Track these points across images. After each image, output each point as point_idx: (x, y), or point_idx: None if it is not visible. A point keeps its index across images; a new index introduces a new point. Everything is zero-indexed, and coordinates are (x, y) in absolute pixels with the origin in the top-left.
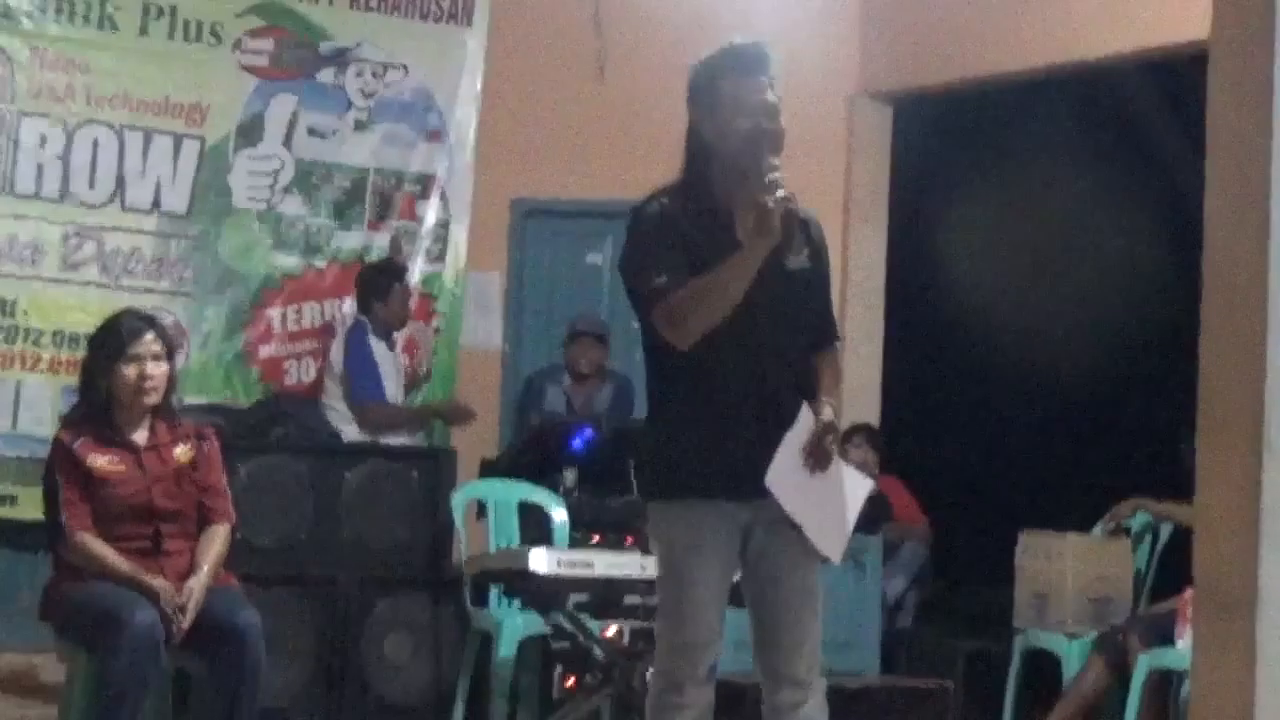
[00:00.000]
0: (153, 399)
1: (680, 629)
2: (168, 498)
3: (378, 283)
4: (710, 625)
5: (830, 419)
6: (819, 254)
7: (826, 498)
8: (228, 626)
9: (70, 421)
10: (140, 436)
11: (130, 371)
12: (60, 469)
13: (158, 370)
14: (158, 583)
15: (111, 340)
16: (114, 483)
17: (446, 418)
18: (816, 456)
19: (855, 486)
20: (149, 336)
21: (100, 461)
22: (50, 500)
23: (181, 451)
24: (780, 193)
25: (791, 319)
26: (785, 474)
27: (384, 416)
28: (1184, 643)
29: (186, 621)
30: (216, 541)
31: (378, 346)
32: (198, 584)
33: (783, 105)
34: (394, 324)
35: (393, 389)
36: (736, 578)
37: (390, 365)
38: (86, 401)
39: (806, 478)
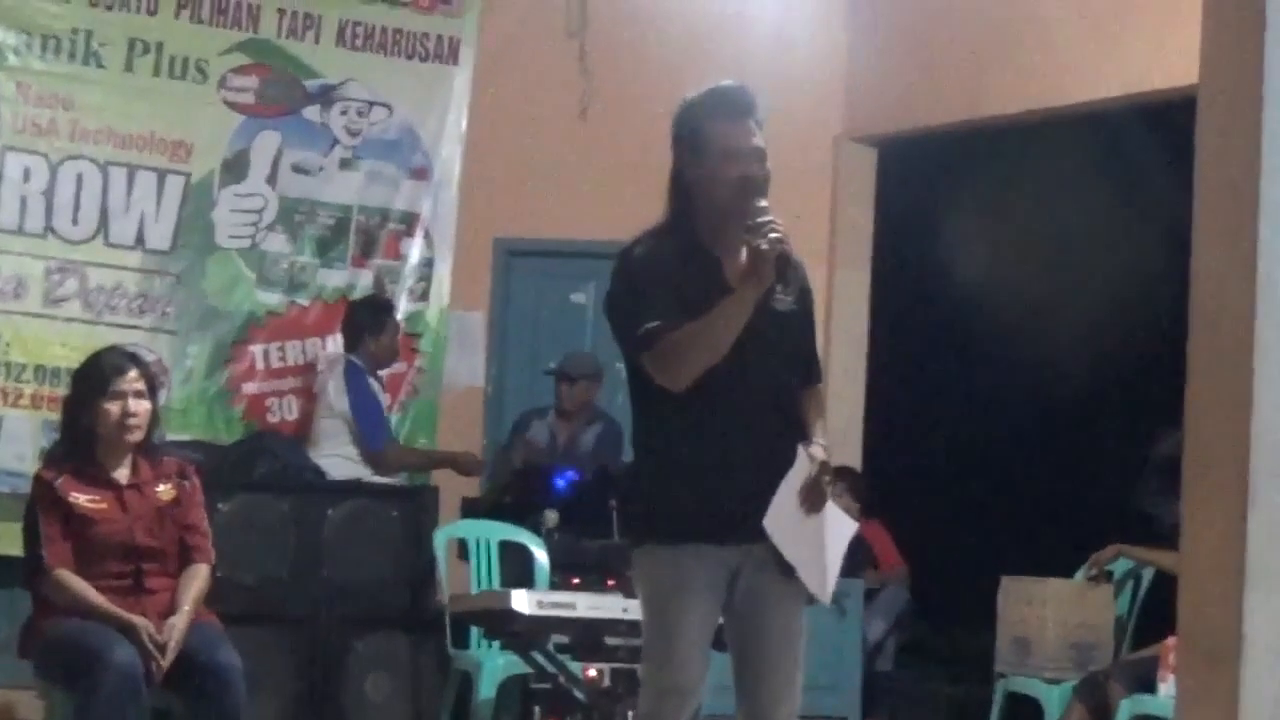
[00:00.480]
0: (135, 436)
1: (665, 673)
2: (149, 536)
3: (371, 318)
4: (695, 669)
5: (824, 459)
6: (804, 295)
7: (817, 538)
8: (209, 666)
9: (52, 458)
10: (122, 474)
11: (113, 408)
12: (41, 506)
13: (140, 407)
14: (138, 620)
15: (94, 377)
16: (96, 520)
17: (460, 467)
18: (812, 498)
19: (840, 527)
20: (132, 373)
21: (82, 499)
22: (30, 537)
23: (164, 490)
24: (774, 235)
25: (781, 360)
26: (782, 517)
27: (403, 459)
28: (1166, 689)
29: (167, 660)
30: (197, 580)
31: (374, 385)
32: (179, 622)
33: (768, 147)
34: (384, 360)
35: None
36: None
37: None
38: (69, 438)
39: (801, 519)
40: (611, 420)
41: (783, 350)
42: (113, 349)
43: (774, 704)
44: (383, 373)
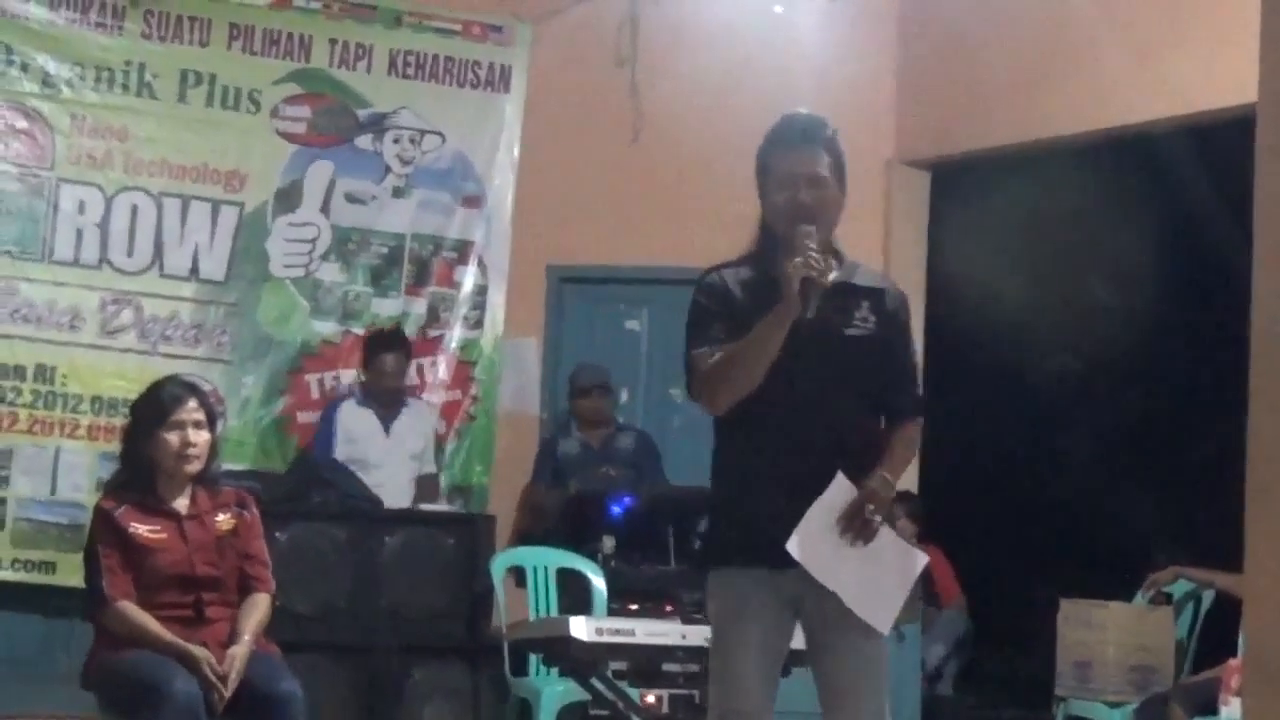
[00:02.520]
0: (195, 467)
1: (726, 697)
2: (209, 565)
3: (368, 349)
4: (755, 693)
5: (874, 488)
6: (891, 322)
7: (871, 568)
8: (270, 696)
9: (112, 489)
10: (182, 505)
11: (173, 439)
12: (101, 537)
13: (199, 438)
14: (199, 651)
15: (154, 407)
16: (155, 551)
17: None
18: (854, 527)
19: (906, 559)
20: (191, 403)
21: (142, 530)
22: (91, 568)
23: (223, 520)
24: (798, 260)
25: (846, 387)
26: (814, 541)
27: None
28: (1228, 712)
29: (229, 690)
30: (258, 610)
31: (358, 416)
32: (240, 652)
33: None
34: (375, 389)
35: (390, 464)
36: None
37: (374, 437)
38: (128, 469)
39: (843, 547)
40: (643, 431)
41: (851, 378)
42: (172, 379)
43: None
44: (436, 401)
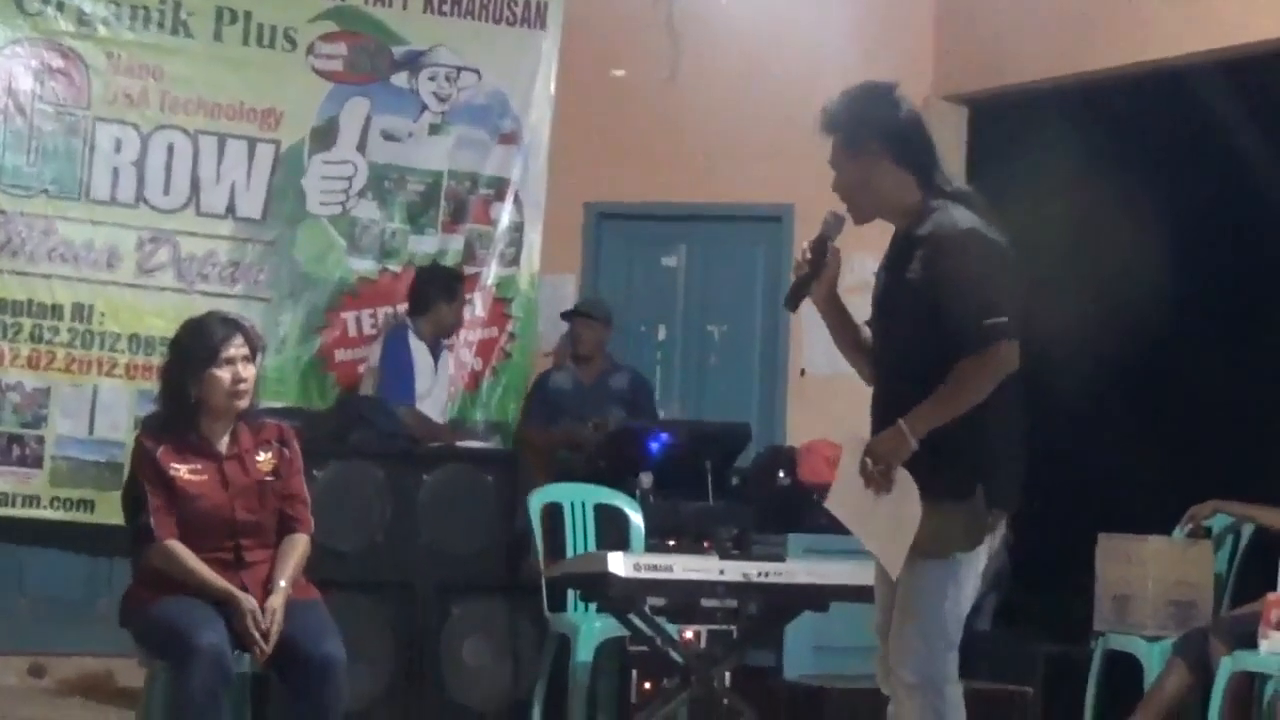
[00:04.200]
0: (244, 402)
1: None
2: (249, 511)
3: (441, 286)
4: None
5: (871, 442)
6: (929, 264)
7: (887, 517)
8: (312, 658)
9: (151, 427)
10: (223, 444)
11: (224, 375)
12: (146, 474)
13: (249, 373)
14: (246, 602)
15: (202, 344)
16: (195, 497)
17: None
18: (866, 478)
19: (908, 505)
20: (238, 339)
21: (183, 470)
22: (135, 505)
23: (264, 460)
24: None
25: (908, 329)
26: (846, 494)
27: (419, 426)
28: (1268, 645)
29: (269, 646)
30: (296, 552)
31: (419, 349)
32: (277, 603)
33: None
34: (446, 330)
35: (432, 398)
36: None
37: (428, 372)
38: (171, 406)
39: (870, 497)
40: (637, 371)
41: (911, 320)
42: (212, 315)
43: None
44: (472, 338)
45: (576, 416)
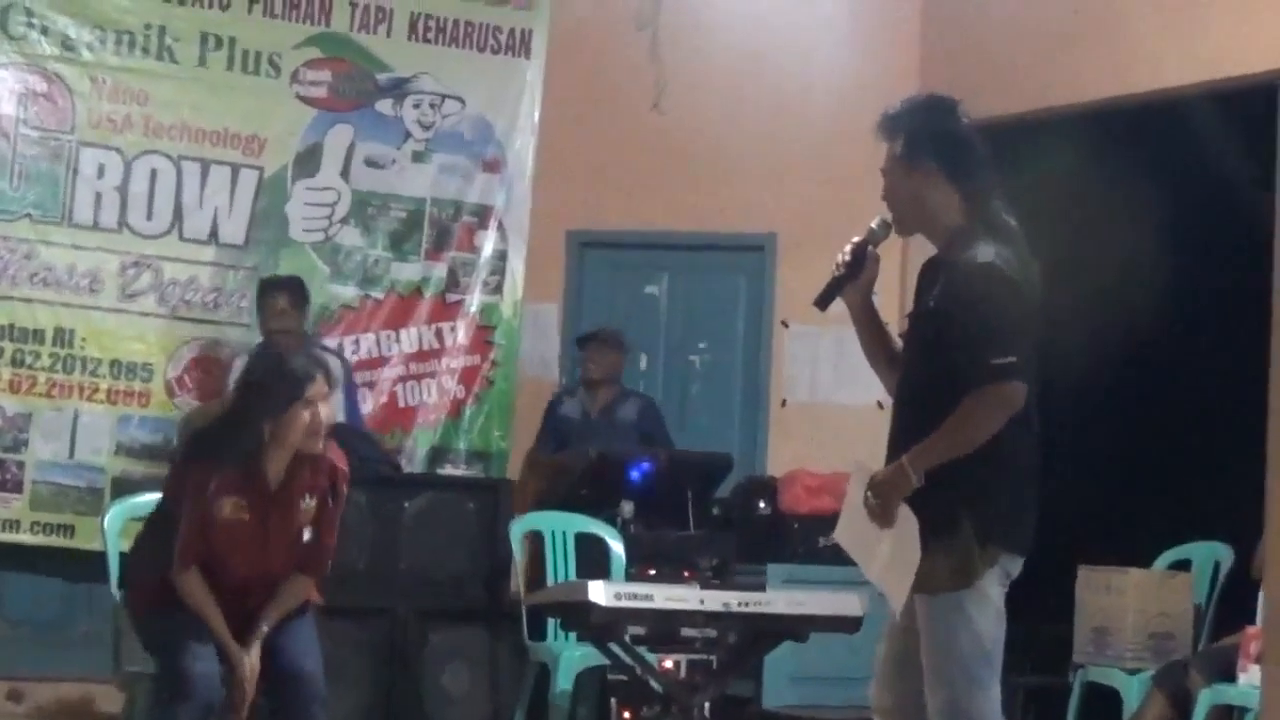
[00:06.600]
0: (319, 445)
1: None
2: (274, 569)
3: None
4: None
5: (876, 476)
6: (946, 294)
7: (889, 549)
8: (290, 672)
9: (210, 450)
10: (277, 477)
11: (305, 415)
12: (191, 501)
13: (326, 414)
14: (241, 671)
15: (285, 384)
16: (228, 550)
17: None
18: (869, 510)
19: (909, 541)
20: (320, 379)
21: (226, 508)
22: (173, 510)
23: (307, 507)
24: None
25: (924, 359)
26: (851, 525)
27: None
28: (1246, 678)
29: (243, 709)
30: (294, 596)
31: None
32: (253, 656)
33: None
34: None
35: None
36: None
37: None
38: (237, 440)
39: (874, 529)
40: (649, 398)
41: (925, 348)
42: (299, 354)
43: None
44: (455, 366)
45: (581, 447)
